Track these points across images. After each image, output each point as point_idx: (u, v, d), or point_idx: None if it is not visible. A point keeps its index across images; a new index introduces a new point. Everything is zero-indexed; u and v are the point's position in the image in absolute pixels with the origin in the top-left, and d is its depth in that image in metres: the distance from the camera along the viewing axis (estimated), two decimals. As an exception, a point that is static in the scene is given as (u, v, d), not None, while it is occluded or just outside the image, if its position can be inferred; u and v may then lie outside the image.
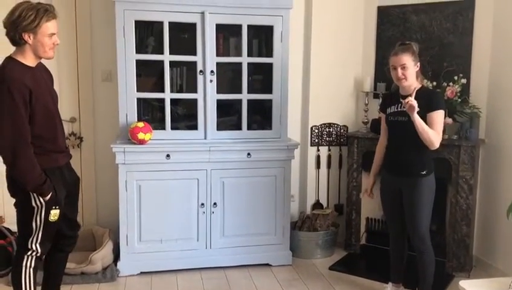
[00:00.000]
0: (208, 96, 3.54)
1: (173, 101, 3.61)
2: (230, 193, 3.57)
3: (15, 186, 2.42)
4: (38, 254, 2.49)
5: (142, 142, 3.38)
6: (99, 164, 3.93)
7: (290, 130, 3.85)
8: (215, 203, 3.56)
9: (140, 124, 3.39)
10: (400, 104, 2.85)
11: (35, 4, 2.36)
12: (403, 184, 2.92)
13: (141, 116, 3.58)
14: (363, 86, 4.04)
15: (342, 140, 4.18)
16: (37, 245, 2.47)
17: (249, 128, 3.70)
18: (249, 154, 3.56)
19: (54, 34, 2.39)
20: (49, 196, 2.40)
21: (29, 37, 2.32)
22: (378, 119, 3.92)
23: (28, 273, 2.49)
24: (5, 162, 2.36)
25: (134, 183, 3.41)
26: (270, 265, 3.67)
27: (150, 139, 3.42)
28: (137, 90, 3.48)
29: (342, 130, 4.17)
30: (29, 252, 2.48)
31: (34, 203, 2.41)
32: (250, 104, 3.68)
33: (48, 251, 2.56)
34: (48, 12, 2.35)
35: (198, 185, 3.52)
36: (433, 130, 2.75)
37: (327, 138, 4.17)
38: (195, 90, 3.55)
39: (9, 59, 2.38)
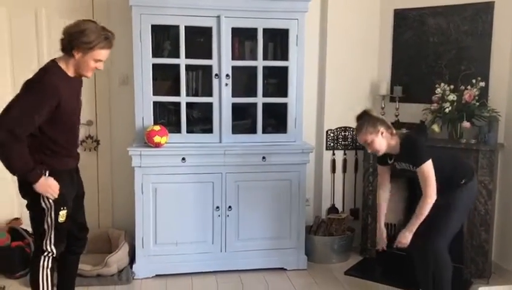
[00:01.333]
0: (223, 99, 3.55)
1: (189, 105, 3.63)
2: (245, 197, 3.57)
3: (25, 188, 2.45)
4: (53, 255, 2.53)
5: (158, 145, 3.40)
6: (115, 166, 3.97)
7: (305, 133, 3.84)
8: (230, 207, 3.56)
9: (157, 128, 3.41)
10: (402, 163, 2.84)
11: (100, 28, 2.42)
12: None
13: (157, 119, 3.61)
14: (379, 90, 4.01)
15: (357, 144, 4.14)
16: (52, 246, 2.50)
17: (264, 131, 3.70)
18: (264, 157, 3.55)
19: (101, 60, 2.46)
20: (52, 191, 2.42)
21: (78, 54, 2.39)
22: (394, 123, 3.89)
23: (45, 273, 2.52)
24: None
25: (150, 186, 3.43)
26: (285, 269, 3.65)
27: (165, 142, 3.44)
28: (154, 94, 3.50)
29: (357, 134, 4.14)
30: (45, 253, 2.51)
31: (43, 205, 2.44)
32: (265, 107, 3.68)
33: (62, 251, 2.58)
34: (107, 41, 2.41)
35: (213, 188, 3.53)
36: (421, 206, 2.72)
37: (343, 142, 4.14)
38: (210, 94, 3.56)
39: (53, 63, 2.44)
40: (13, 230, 3.67)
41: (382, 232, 3.04)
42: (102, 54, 2.42)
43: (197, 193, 3.50)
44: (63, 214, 2.48)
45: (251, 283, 3.42)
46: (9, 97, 2.40)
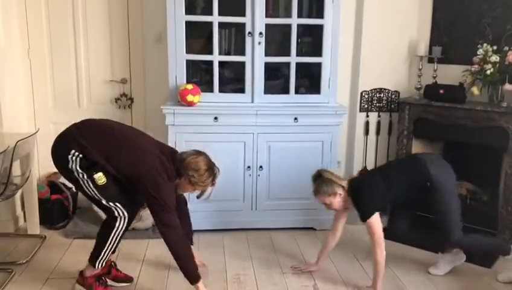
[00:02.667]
0: (255, 58, 3.51)
1: (221, 64, 3.61)
2: (277, 157, 3.58)
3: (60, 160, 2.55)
4: (125, 218, 2.59)
5: (191, 104, 3.42)
6: (149, 124, 4.02)
7: (339, 95, 3.78)
8: (261, 167, 3.58)
9: (189, 86, 3.42)
10: None
11: (214, 175, 2.65)
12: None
13: (190, 78, 3.61)
14: (417, 50, 3.87)
15: (392, 106, 4.06)
16: (118, 210, 2.57)
17: (296, 92, 3.66)
18: (296, 118, 3.53)
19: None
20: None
21: (183, 179, 2.61)
22: (432, 85, 3.78)
23: (116, 234, 2.61)
24: None
25: (184, 145, 3.47)
26: (315, 229, 3.69)
27: (198, 101, 3.45)
28: (187, 52, 3.49)
29: (393, 96, 4.05)
30: (118, 218, 2.58)
31: (77, 176, 2.52)
32: (299, 67, 3.62)
33: (133, 210, 2.66)
34: (212, 183, 2.66)
35: (245, 148, 3.54)
36: (376, 260, 2.71)
37: (377, 104, 4.06)
38: (243, 53, 3.53)
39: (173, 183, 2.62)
40: (52, 183, 3.82)
41: (311, 266, 3.07)
42: (202, 189, 2.67)
43: (228, 152, 3.53)
44: (99, 177, 2.51)
45: (281, 241, 3.48)
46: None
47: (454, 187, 2.85)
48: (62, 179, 3.89)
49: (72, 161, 2.50)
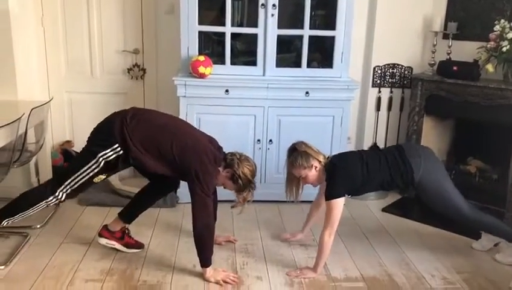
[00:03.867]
0: (268, 31, 3.49)
1: (233, 36, 3.59)
2: (287, 131, 3.59)
3: (98, 138, 2.59)
4: (58, 201, 2.63)
5: (202, 76, 3.43)
6: (161, 95, 4.05)
7: (352, 69, 3.75)
8: (270, 140, 3.60)
9: (201, 58, 3.42)
10: None
11: (252, 189, 2.73)
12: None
13: (202, 49, 3.61)
14: (432, 26, 3.81)
15: (405, 82, 4.03)
16: (64, 194, 2.60)
17: (308, 66, 3.65)
18: (307, 93, 3.52)
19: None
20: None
21: (225, 171, 2.67)
22: (446, 62, 3.73)
23: (38, 208, 2.65)
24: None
25: (195, 116, 3.50)
26: (323, 203, 3.72)
27: (210, 73, 3.46)
28: (199, 24, 3.48)
29: (406, 72, 4.01)
30: (51, 200, 2.61)
31: (93, 159, 2.53)
32: (312, 40, 3.59)
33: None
34: (250, 190, 2.73)
35: (255, 121, 3.56)
36: (323, 241, 2.65)
37: (390, 79, 4.03)
38: (255, 25, 3.51)
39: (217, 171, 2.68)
40: (65, 152, 3.89)
41: (297, 234, 3.11)
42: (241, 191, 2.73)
43: (239, 125, 3.55)
44: (99, 178, 2.59)
45: (289, 213, 3.53)
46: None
47: (443, 176, 2.78)
48: (75, 148, 3.96)
49: (108, 153, 2.53)
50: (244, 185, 2.68)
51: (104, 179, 2.66)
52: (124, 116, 2.59)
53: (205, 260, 2.61)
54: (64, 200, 2.63)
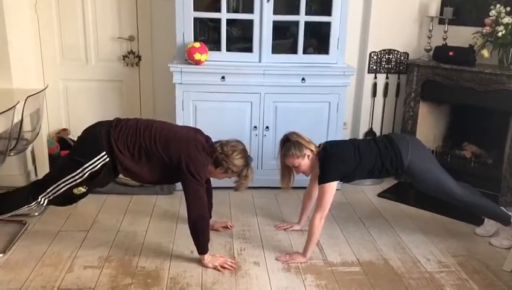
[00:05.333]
0: (264, 16, 3.47)
1: (229, 22, 3.58)
2: (283, 117, 3.60)
3: (88, 147, 2.58)
4: (39, 207, 2.66)
5: (198, 62, 3.42)
6: (156, 82, 4.04)
7: (348, 55, 3.75)
8: (267, 127, 3.61)
9: (197, 44, 3.41)
10: None
11: (250, 168, 2.72)
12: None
13: (197, 36, 3.59)
14: (428, 11, 3.80)
15: (401, 68, 4.03)
16: (46, 199, 2.62)
17: (304, 52, 3.64)
18: (303, 79, 3.52)
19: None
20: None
21: (221, 170, 2.69)
22: (442, 47, 3.73)
23: (24, 210, 2.67)
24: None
25: (191, 103, 3.49)
26: (319, 189, 3.74)
27: (205, 60, 3.45)
28: (194, 10, 3.46)
29: (402, 57, 4.01)
30: (33, 205, 2.63)
31: (80, 166, 2.53)
32: (308, 26, 3.58)
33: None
34: (246, 168, 2.70)
35: (251, 108, 3.56)
36: (314, 224, 2.67)
37: (386, 65, 4.03)
38: (251, 11, 3.49)
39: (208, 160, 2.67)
40: (62, 140, 3.89)
41: (294, 225, 3.13)
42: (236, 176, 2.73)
43: (235, 112, 3.55)
44: (79, 190, 2.60)
45: (285, 199, 3.55)
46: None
47: (430, 161, 2.85)
48: (71, 136, 3.96)
49: (93, 164, 2.54)
50: (241, 171, 2.71)
51: (83, 193, 2.65)
52: (108, 124, 2.60)
53: (202, 248, 2.64)
54: (45, 206, 2.66)
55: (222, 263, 2.65)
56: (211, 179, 2.91)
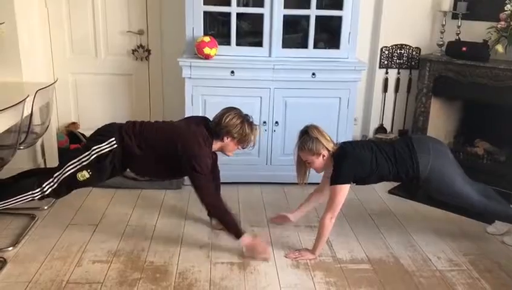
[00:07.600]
0: (274, 10, 3.44)
1: (239, 16, 3.55)
2: (293, 113, 3.57)
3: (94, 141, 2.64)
4: (43, 195, 2.64)
5: (208, 57, 3.40)
6: (166, 76, 4.03)
7: (359, 50, 3.71)
8: (277, 122, 3.58)
9: (207, 39, 3.38)
10: None
11: (250, 123, 2.74)
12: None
13: (207, 30, 3.57)
14: (441, 5, 3.75)
15: (413, 63, 3.98)
16: (50, 188, 2.62)
17: (315, 46, 3.60)
18: (313, 74, 3.49)
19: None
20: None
21: (226, 140, 2.71)
22: (455, 42, 3.68)
23: (28, 198, 2.65)
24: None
25: (200, 98, 3.48)
26: (329, 185, 3.71)
27: (215, 54, 3.42)
28: (204, 3, 3.43)
29: (414, 52, 3.97)
30: (37, 192, 2.62)
31: (87, 152, 2.59)
32: (318, 20, 3.54)
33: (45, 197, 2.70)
34: (252, 131, 2.73)
35: (261, 103, 3.54)
36: (324, 223, 2.64)
37: (397, 60, 3.98)
38: (261, 5, 3.46)
39: (209, 141, 2.70)
40: (71, 133, 3.89)
41: (287, 215, 3.01)
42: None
43: (244, 107, 3.46)
44: (82, 175, 2.61)
45: (294, 194, 3.52)
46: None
47: (451, 172, 2.71)
48: (80, 129, 3.96)
49: (101, 147, 2.59)
50: (246, 135, 2.73)
51: (87, 180, 2.64)
52: (121, 124, 2.71)
53: (234, 233, 2.64)
54: (48, 195, 2.65)
55: (258, 254, 2.67)
56: (221, 171, 2.97)
